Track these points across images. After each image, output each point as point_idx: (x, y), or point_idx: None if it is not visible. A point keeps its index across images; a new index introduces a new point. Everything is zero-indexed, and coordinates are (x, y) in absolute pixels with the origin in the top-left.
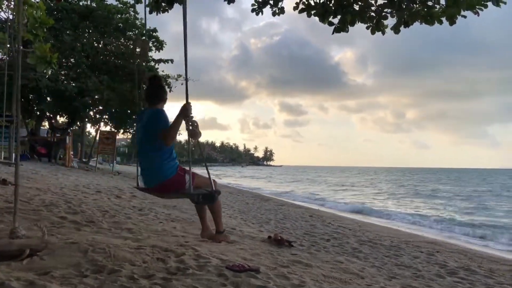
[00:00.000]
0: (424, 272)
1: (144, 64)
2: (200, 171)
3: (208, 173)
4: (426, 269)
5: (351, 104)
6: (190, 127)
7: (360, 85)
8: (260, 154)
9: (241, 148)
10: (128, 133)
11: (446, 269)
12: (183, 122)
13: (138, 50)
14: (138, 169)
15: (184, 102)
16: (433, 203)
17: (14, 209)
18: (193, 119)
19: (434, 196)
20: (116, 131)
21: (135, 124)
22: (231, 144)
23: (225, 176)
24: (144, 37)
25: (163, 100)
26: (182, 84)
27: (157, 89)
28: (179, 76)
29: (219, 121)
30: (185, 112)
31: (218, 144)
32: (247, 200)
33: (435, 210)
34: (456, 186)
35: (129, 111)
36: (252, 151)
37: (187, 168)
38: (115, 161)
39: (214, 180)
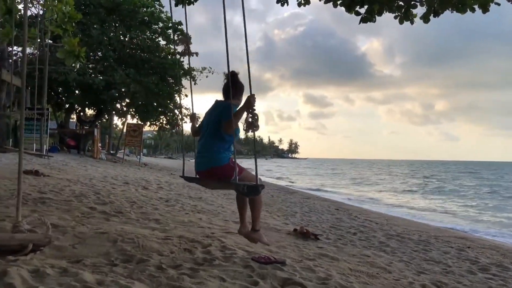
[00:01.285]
0: (454, 268)
1: (170, 57)
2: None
3: (256, 166)
4: (456, 265)
5: (377, 96)
6: (251, 119)
7: (387, 76)
8: (284, 146)
9: (265, 140)
10: (154, 125)
11: (478, 265)
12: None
13: (182, 47)
14: (183, 159)
15: (216, 98)
16: (465, 198)
17: (17, 203)
18: (255, 111)
19: (464, 191)
20: (142, 123)
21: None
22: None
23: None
24: (185, 34)
25: (237, 96)
26: (207, 76)
27: (233, 85)
28: (204, 69)
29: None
30: (249, 104)
31: (242, 137)
32: (272, 192)
33: (467, 206)
34: (489, 180)
35: (155, 104)
36: (276, 144)
37: (237, 163)
38: (141, 153)
39: (259, 178)
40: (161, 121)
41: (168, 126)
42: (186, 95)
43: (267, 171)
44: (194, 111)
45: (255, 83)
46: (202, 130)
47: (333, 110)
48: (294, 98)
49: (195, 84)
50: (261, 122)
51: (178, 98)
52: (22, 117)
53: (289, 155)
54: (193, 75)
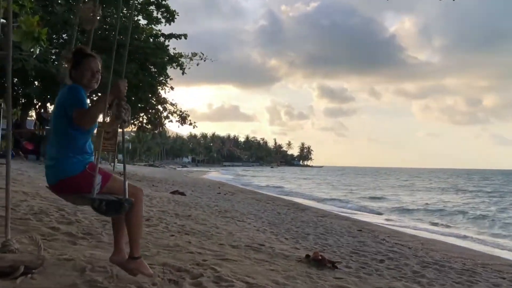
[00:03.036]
0: None
1: (153, 40)
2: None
3: (125, 173)
4: None
5: (410, 88)
6: (118, 111)
7: (422, 63)
8: (294, 151)
9: (270, 144)
10: (133, 125)
11: None
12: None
13: (86, 14)
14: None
15: (214, 88)
16: None
17: (5, 218)
18: (123, 102)
19: None
20: None
21: (142, 114)
22: (258, 138)
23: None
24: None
25: (73, 74)
26: (198, 64)
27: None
28: (194, 54)
29: (243, 110)
30: (116, 93)
31: (241, 139)
32: (279, 209)
33: None
34: None
35: (133, 98)
36: (284, 148)
37: (104, 169)
38: (116, 160)
39: (138, 188)
40: (140, 119)
41: (149, 126)
42: (172, 88)
43: (274, 187)
44: None
45: (256, 71)
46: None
47: (355, 106)
48: (307, 91)
49: (183, 73)
50: (264, 120)
51: (162, 91)
52: None
53: (300, 162)
54: (180, 62)
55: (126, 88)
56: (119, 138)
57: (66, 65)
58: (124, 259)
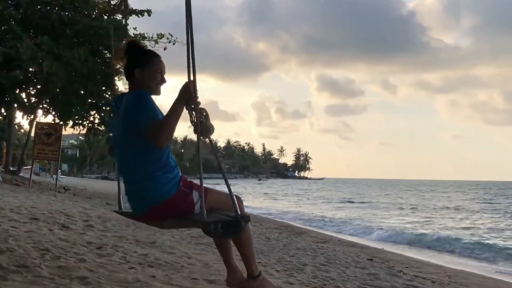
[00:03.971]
0: None
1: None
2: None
3: (228, 186)
4: None
5: (433, 79)
6: (196, 119)
7: (449, 48)
8: (288, 159)
9: (258, 150)
10: (81, 127)
11: None
12: (184, 111)
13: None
14: (119, 185)
15: (185, 79)
16: None
17: None
18: (200, 105)
19: None
20: (61, 123)
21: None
22: (242, 143)
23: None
24: None
25: (138, 75)
26: (165, 49)
27: (129, 57)
28: (161, 36)
29: (223, 107)
30: (187, 96)
31: (221, 143)
32: (269, 233)
33: None
34: None
35: (82, 92)
36: (275, 155)
37: (195, 181)
38: (60, 171)
39: (237, 197)
40: (91, 119)
41: (103, 128)
42: None
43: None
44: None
45: (240, 58)
46: (116, 146)
47: (364, 102)
48: (303, 82)
49: None
50: (249, 120)
51: (119, 83)
52: None
53: (296, 174)
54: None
55: (197, 89)
56: (64, 143)
57: (117, 63)
58: (243, 278)
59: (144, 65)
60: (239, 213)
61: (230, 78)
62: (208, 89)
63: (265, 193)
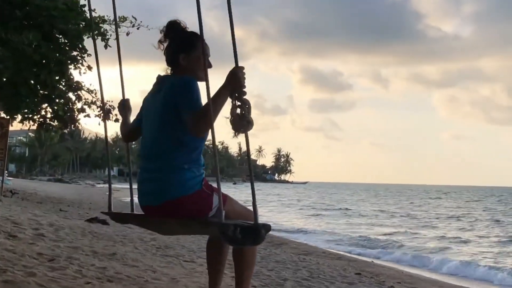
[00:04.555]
0: None
1: None
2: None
3: (253, 193)
4: None
5: (431, 72)
6: (239, 110)
7: (448, 37)
8: (267, 161)
9: (233, 150)
10: (31, 122)
11: None
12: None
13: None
14: (110, 185)
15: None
16: None
17: None
18: (245, 96)
19: None
20: (8, 117)
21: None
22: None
23: None
24: None
25: (184, 61)
26: (128, 34)
27: (171, 41)
28: (123, 19)
29: None
30: (235, 83)
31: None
32: None
33: None
34: None
35: (32, 82)
36: (253, 156)
37: (214, 185)
38: (6, 172)
39: (250, 210)
40: (43, 113)
41: (56, 123)
42: (91, 67)
43: None
44: (125, 96)
45: (212, 46)
46: (143, 131)
47: (353, 96)
48: (285, 74)
49: (106, 47)
50: (222, 116)
51: (75, 72)
52: None
53: (276, 177)
54: (103, 30)
55: (245, 77)
56: (11, 140)
57: (160, 45)
58: None
59: (190, 50)
60: (260, 222)
61: None
62: None
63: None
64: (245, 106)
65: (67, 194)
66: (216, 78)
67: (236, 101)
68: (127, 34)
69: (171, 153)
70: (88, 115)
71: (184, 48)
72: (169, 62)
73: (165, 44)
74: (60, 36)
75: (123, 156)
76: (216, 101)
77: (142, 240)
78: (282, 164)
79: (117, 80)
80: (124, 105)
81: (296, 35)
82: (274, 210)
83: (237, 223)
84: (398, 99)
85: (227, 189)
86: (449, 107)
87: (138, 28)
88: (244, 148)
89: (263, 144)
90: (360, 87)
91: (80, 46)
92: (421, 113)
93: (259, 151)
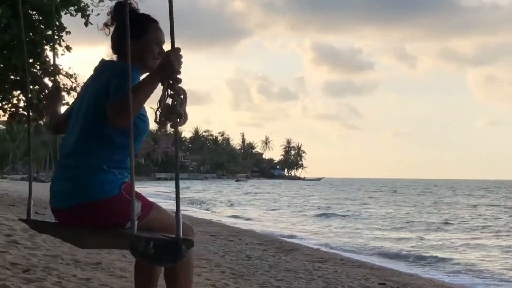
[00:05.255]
0: None
1: None
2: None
3: (177, 201)
4: None
5: (464, 48)
6: (171, 101)
7: (485, 6)
8: (275, 154)
9: (235, 141)
10: (1, 112)
11: None
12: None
13: None
14: (31, 185)
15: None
16: None
17: None
18: (180, 85)
19: None
20: None
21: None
22: (214, 133)
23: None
24: None
25: (139, 52)
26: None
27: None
28: None
29: (188, 86)
30: (169, 67)
31: (186, 133)
32: (250, 250)
33: None
34: None
35: (1, 65)
36: (259, 149)
37: (140, 193)
38: None
39: (187, 224)
40: (15, 101)
41: (29, 113)
42: (69, 48)
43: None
44: (59, 83)
45: (211, 21)
46: (70, 122)
47: (374, 77)
48: (294, 52)
49: (86, 24)
50: (224, 102)
51: (51, 54)
52: None
53: (285, 173)
54: (82, 5)
55: (181, 61)
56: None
57: (105, 30)
58: None
59: (139, 34)
60: (181, 236)
61: (197, 46)
62: None
63: (248, 199)
64: (178, 96)
65: (43, 194)
66: (216, 55)
67: (168, 90)
68: (109, 14)
69: (92, 150)
70: (67, 103)
71: (132, 32)
72: (115, 48)
73: (111, 28)
74: (34, 12)
75: None
76: (140, 89)
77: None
78: (292, 158)
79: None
80: (53, 94)
81: (307, 7)
82: (285, 214)
83: (151, 236)
84: (425, 80)
85: (229, 187)
86: (486, 88)
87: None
88: (248, 140)
89: (270, 134)
90: (382, 66)
91: (57, 23)
92: (453, 96)
93: (266, 143)
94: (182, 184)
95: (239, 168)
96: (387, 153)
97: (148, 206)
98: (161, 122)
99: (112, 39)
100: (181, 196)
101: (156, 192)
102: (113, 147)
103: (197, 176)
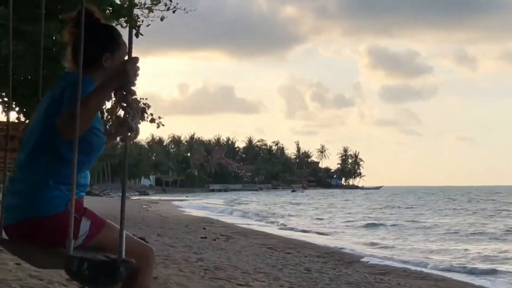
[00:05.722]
0: None
1: None
2: None
3: (122, 218)
4: None
5: None
6: (123, 113)
7: None
8: (331, 163)
9: (290, 150)
10: None
11: None
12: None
13: None
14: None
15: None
16: None
17: None
18: (134, 96)
19: None
20: (25, 120)
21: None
22: (268, 143)
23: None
24: None
25: (98, 62)
26: (163, 19)
27: (92, 36)
28: (157, 2)
29: (240, 94)
30: (123, 76)
31: (240, 143)
32: (309, 263)
33: None
34: None
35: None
36: (314, 158)
37: (94, 211)
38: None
39: (143, 244)
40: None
41: None
42: None
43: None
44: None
45: (262, 28)
46: (25, 135)
47: (434, 81)
48: (349, 58)
49: (137, 35)
50: (276, 110)
51: None
52: None
53: (343, 182)
54: (133, 16)
55: (138, 72)
56: None
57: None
58: None
59: (114, 49)
60: (122, 257)
61: (248, 54)
62: (218, 71)
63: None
64: (131, 109)
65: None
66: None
67: (121, 102)
68: (162, 19)
69: (40, 164)
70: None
71: (107, 45)
72: (87, 61)
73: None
74: None
75: (160, 163)
76: (91, 98)
77: (187, 261)
78: (349, 166)
79: (148, 73)
80: None
81: (361, 11)
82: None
83: (85, 257)
84: (488, 83)
85: (284, 197)
86: None
87: (174, 12)
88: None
89: (326, 142)
90: (442, 70)
91: None
92: None
93: (321, 152)
94: (235, 195)
95: (294, 178)
96: (450, 159)
97: (99, 225)
98: (110, 135)
99: (84, 51)
100: (234, 207)
101: (206, 204)
102: (62, 162)
103: (252, 187)
